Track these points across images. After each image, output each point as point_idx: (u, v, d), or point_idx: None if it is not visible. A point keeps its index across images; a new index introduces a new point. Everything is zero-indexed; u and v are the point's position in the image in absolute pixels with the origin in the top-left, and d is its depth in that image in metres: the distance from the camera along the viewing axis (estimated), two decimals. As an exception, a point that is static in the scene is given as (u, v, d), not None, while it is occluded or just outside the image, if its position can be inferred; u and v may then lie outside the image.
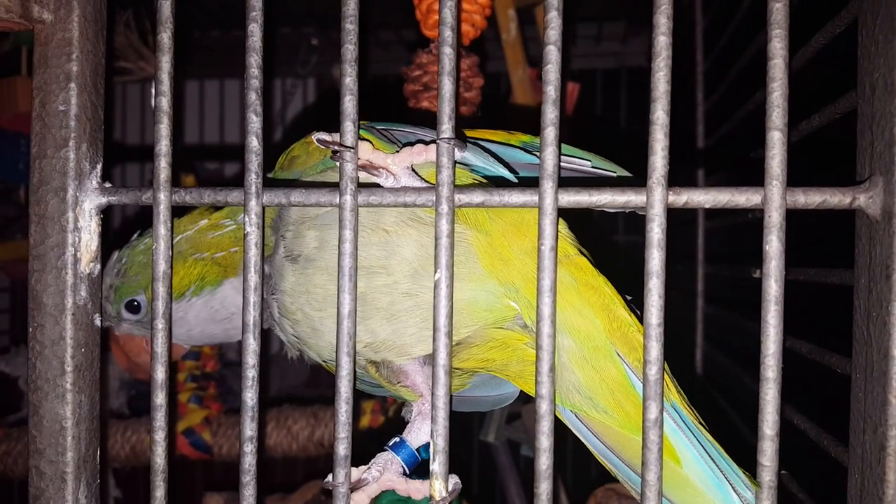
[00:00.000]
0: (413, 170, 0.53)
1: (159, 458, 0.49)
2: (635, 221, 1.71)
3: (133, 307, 0.65)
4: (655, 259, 0.43)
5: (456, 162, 0.46)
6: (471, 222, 0.56)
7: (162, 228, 0.48)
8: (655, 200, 0.43)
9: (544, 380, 0.44)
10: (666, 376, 0.56)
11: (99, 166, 0.52)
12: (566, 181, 0.46)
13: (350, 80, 0.47)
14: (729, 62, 1.05)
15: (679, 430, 0.55)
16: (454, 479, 0.51)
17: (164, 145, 0.48)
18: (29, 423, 0.50)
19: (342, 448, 0.47)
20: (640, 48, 1.80)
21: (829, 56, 0.65)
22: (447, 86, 0.46)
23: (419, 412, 0.60)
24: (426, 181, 0.53)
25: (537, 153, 0.44)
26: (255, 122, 0.48)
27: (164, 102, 0.49)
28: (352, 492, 0.53)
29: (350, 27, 0.47)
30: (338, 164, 0.46)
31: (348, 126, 0.47)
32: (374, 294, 0.56)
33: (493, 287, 0.56)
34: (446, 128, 0.46)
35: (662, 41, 0.43)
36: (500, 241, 0.56)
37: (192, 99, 1.95)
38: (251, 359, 0.47)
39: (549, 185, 0.44)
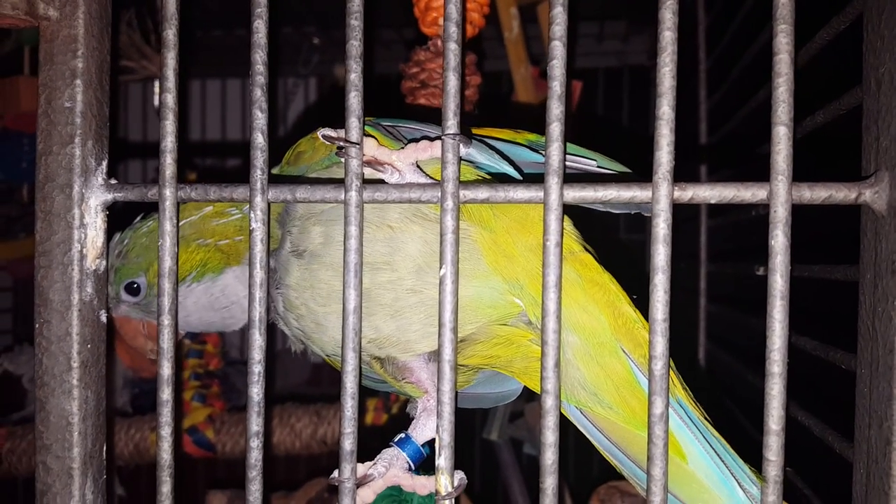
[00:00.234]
0: (418, 166, 0.53)
1: (166, 454, 0.49)
2: (637, 220, 1.71)
3: (133, 289, 0.65)
4: (661, 254, 0.43)
5: (461, 158, 0.46)
6: (475, 219, 0.56)
7: (168, 225, 0.48)
8: (661, 196, 0.43)
9: (550, 375, 0.44)
10: (671, 372, 0.56)
11: (104, 163, 0.52)
12: (572, 178, 0.46)
13: (355, 76, 0.47)
14: (732, 60, 1.06)
15: (684, 426, 0.55)
16: (460, 475, 0.51)
17: (169, 142, 0.48)
18: (36, 418, 0.50)
19: (348, 443, 0.47)
20: (641, 47, 1.80)
21: (833, 52, 0.65)
22: (452, 81, 0.46)
23: (424, 408, 0.60)
24: (431, 177, 0.53)
25: (543, 151, 0.44)
26: (260, 118, 0.48)
27: (170, 99, 0.49)
28: (357, 487, 0.53)
29: (355, 23, 0.47)
30: (343, 160, 0.46)
31: (353, 122, 0.47)
32: (378, 290, 0.56)
33: (497, 284, 0.56)
34: (451, 124, 0.46)
35: (668, 36, 0.43)
36: (504, 237, 0.56)
37: (195, 98, 1.95)
38: (257, 354, 0.48)
39: (554, 181, 0.44)
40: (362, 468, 0.55)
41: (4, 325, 1.89)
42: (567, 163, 0.55)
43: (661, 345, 0.43)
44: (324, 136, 0.50)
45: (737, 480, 0.54)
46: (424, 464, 0.58)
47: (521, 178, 0.57)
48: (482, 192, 0.46)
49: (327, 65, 1.87)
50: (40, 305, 0.50)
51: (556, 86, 0.45)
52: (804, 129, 0.66)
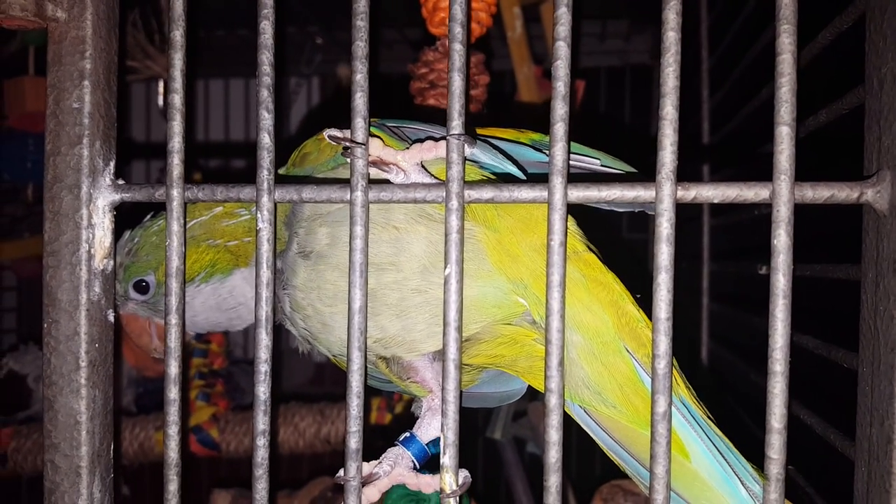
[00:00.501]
0: (423, 166, 0.53)
1: (173, 453, 0.49)
2: (639, 219, 1.71)
3: (141, 287, 0.65)
4: (664, 253, 0.43)
5: (466, 158, 0.47)
6: (480, 219, 0.56)
7: (175, 225, 0.49)
8: (664, 195, 0.43)
9: (554, 374, 0.44)
10: (674, 371, 0.56)
11: (112, 163, 0.52)
12: (576, 178, 0.46)
13: (361, 76, 0.47)
14: (734, 59, 1.06)
15: (687, 425, 0.55)
16: (464, 473, 0.51)
17: (176, 142, 0.49)
18: (44, 417, 0.51)
19: (353, 442, 0.47)
20: (643, 46, 1.81)
21: (836, 51, 0.65)
22: (457, 82, 0.46)
23: (429, 407, 0.60)
24: (436, 178, 0.54)
25: (547, 151, 0.45)
26: (266, 118, 0.48)
27: (177, 100, 0.49)
28: (363, 486, 0.53)
29: (361, 24, 0.47)
30: (349, 160, 0.46)
31: (359, 122, 0.47)
32: (383, 290, 0.56)
33: (501, 283, 0.56)
34: (456, 124, 0.46)
35: (672, 37, 0.44)
36: (508, 237, 0.56)
37: (198, 98, 1.96)
38: (264, 353, 0.48)
39: (558, 181, 0.45)
40: (367, 467, 0.56)
41: (9, 325, 1.89)
42: (571, 162, 0.56)
43: (664, 343, 0.43)
44: (330, 137, 0.51)
45: (739, 479, 0.54)
46: (430, 462, 0.59)
47: (525, 177, 0.57)
48: (487, 192, 0.47)
49: (330, 64, 1.87)
50: (48, 305, 0.50)
51: (561, 86, 0.45)
52: (807, 128, 0.67)
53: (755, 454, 0.49)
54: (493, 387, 0.66)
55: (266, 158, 0.48)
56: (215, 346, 1.41)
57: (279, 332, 0.67)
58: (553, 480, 0.45)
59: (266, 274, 0.48)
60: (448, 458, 0.46)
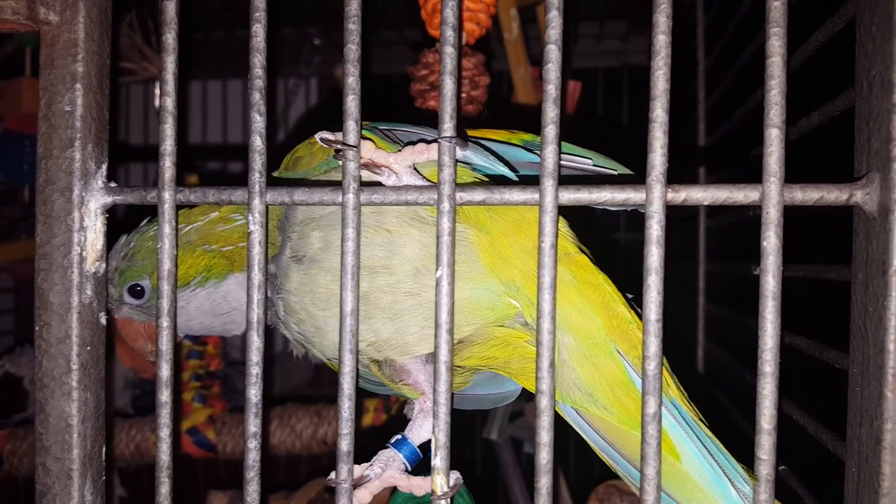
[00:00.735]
0: (415, 169, 0.53)
1: (164, 455, 0.49)
2: (637, 219, 1.71)
3: (136, 292, 0.65)
4: (654, 256, 0.43)
5: (457, 161, 0.47)
6: (472, 221, 0.56)
7: (167, 227, 0.49)
8: (654, 198, 0.43)
9: (544, 375, 0.45)
10: (665, 372, 0.57)
11: (104, 166, 0.52)
12: (568, 179, 0.46)
13: (353, 79, 0.47)
14: (730, 60, 1.06)
15: (678, 426, 0.55)
16: (455, 475, 0.51)
17: (168, 145, 0.49)
18: (35, 420, 0.51)
19: (345, 444, 0.47)
20: (641, 47, 1.81)
21: (829, 54, 0.65)
22: (449, 85, 0.46)
23: (421, 410, 0.60)
24: (428, 180, 0.54)
25: (538, 152, 0.45)
26: (258, 121, 0.48)
27: (169, 103, 0.49)
28: (354, 489, 0.53)
29: (353, 27, 0.47)
30: (341, 163, 0.46)
31: (351, 125, 0.47)
32: (376, 294, 0.56)
33: (494, 285, 0.56)
34: (448, 126, 0.46)
35: (662, 40, 0.44)
36: (500, 240, 0.56)
37: (196, 99, 1.96)
38: (255, 356, 0.48)
39: (549, 183, 0.45)
40: (359, 469, 0.56)
41: (6, 327, 1.89)
42: (563, 162, 0.56)
43: (654, 345, 0.43)
44: (321, 140, 0.51)
45: (730, 480, 0.55)
46: (422, 465, 0.59)
47: (517, 179, 0.57)
48: (478, 195, 0.47)
49: (329, 65, 1.87)
50: (40, 308, 0.50)
51: (552, 89, 0.45)
52: (799, 130, 0.67)
53: (750, 456, 0.49)
54: (488, 388, 0.66)
55: (258, 161, 0.48)
56: (211, 348, 1.41)
57: (274, 335, 0.67)
58: (544, 482, 0.45)
59: (257, 277, 0.48)
60: (439, 460, 0.46)
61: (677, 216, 1.51)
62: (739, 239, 1.11)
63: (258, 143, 0.48)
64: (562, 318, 0.55)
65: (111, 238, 0.68)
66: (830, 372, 0.59)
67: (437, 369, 0.46)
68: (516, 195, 0.47)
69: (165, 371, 0.49)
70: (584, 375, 0.56)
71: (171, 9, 0.49)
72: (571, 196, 0.46)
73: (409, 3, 0.92)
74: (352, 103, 0.47)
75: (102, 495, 0.53)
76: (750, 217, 0.94)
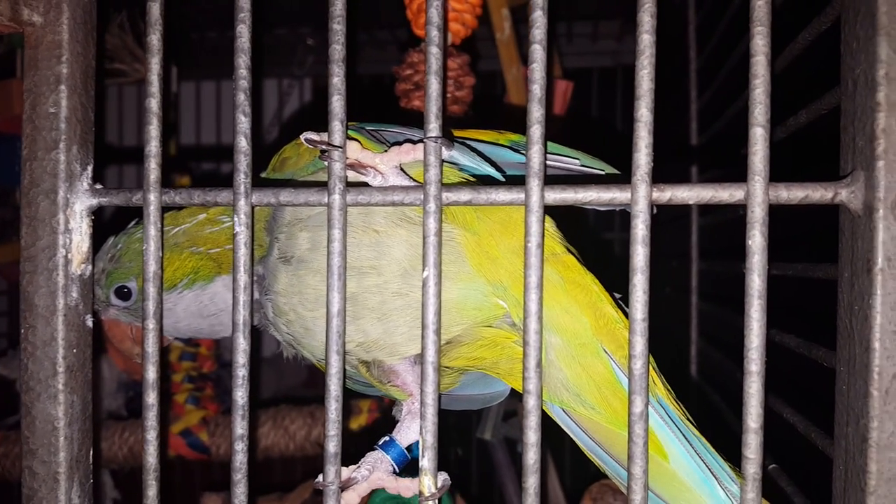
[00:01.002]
0: (402, 169, 0.53)
1: (151, 458, 0.49)
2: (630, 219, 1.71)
3: (123, 293, 0.65)
4: (640, 255, 0.43)
5: (444, 161, 0.47)
6: (459, 222, 0.56)
7: (152, 229, 0.49)
8: (639, 197, 0.43)
9: (531, 375, 0.45)
10: (652, 371, 0.57)
11: (90, 168, 0.52)
12: (555, 179, 0.46)
13: (338, 79, 0.47)
14: (721, 59, 1.06)
15: (665, 425, 0.55)
16: (443, 476, 0.51)
17: (153, 146, 0.49)
18: (21, 423, 0.51)
19: (332, 446, 0.47)
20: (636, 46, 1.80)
21: (820, 53, 0.65)
22: (434, 85, 0.46)
23: (409, 411, 0.60)
24: (415, 180, 0.54)
25: (524, 152, 0.45)
26: (243, 122, 0.48)
27: (154, 104, 0.49)
28: (342, 491, 0.53)
29: (337, 27, 0.47)
30: (327, 164, 0.46)
31: (336, 125, 0.47)
32: (364, 294, 0.56)
33: (481, 286, 0.56)
34: (433, 127, 0.46)
35: (646, 39, 0.44)
36: (488, 240, 0.56)
37: (189, 100, 1.95)
38: (241, 358, 0.48)
39: (535, 183, 0.45)
40: (346, 472, 0.56)
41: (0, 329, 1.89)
42: (550, 162, 0.56)
43: (640, 344, 0.43)
44: (307, 140, 0.50)
45: (717, 479, 0.55)
46: (411, 466, 0.59)
47: (503, 179, 0.57)
48: (464, 195, 0.47)
49: (322, 66, 1.86)
50: (25, 310, 0.50)
51: (537, 89, 0.45)
52: (787, 129, 0.67)
53: (741, 453, 0.49)
54: (477, 389, 0.66)
55: (243, 162, 0.48)
56: (204, 350, 1.40)
57: (262, 336, 0.67)
58: (532, 482, 0.45)
59: (243, 278, 0.47)
60: (427, 461, 0.46)
61: (669, 215, 1.51)
62: (731, 237, 1.11)
63: (243, 143, 0.48)
64: (549, 318, 0.55)
65: (99, 240, 0.68)
66: (822, 370, 0.59)
67: (423, 370, 0.45)
68: (502, 195, 0.46)
69: (152, 373, 0.49)
70: (571, 375, 0.56)
71: (155, 10, 0.49)
72: (557, 196, 0.46)
73: (401, 3, 0.92)
74: (337, 104, 0.47)
75: (90, 498, 0.53)
76: (741, 215, 0.94)
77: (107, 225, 0.72)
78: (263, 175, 0.65)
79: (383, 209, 0.56)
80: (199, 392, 1.39)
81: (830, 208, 0.46)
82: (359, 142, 0.53)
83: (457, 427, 1.45)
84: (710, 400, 1.07)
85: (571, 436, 0.59)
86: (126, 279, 0.65)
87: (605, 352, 0.56)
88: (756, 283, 0.42)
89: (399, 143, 0.53)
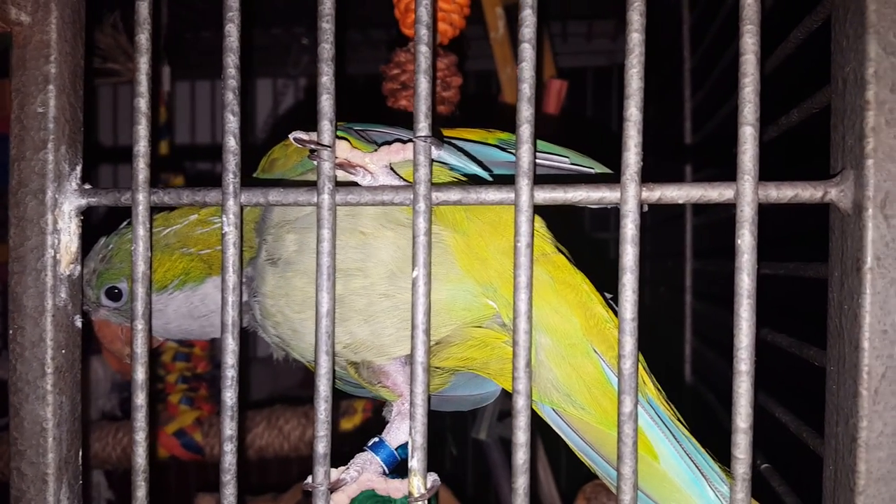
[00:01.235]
0: (392, 169, 0.53)
1: (140, 458, 0.49)
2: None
3: (114, 294, 0.65)
4: (629, 254, 0.43)
5: (434, 160, 0.47)
6: (448, 222, 0.56)
7: (141, 229, 0.48)
8: (629, 196, 0.43)
9: (521, 375, 0.44)
10: (642, 371, 0.56)
11: (78, 168, 0.52)
12: (545, 179, 0.46)
13: (327, 78, 0.47)
14: (715, 59, 1.06)
15: (655, 426, 0.55)
16: (433, 477, 0.51)
17: (142, 146, 0.49)
18: (10, 424, 0.51)
19: (321, 446, 0.47)
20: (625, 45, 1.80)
21: (814, 52, 0.65)
22: (423, 84, 0.46)
23: (399, 412, 0.60)
24: (405, 180, 0.54)
25: (514, 151, 0.45)
26: (232, 121, 0.48)
27: (142, 103, 0.49)
28: (331, 492, 0.53)
29: (326, 26, 0.47)
30: (316, 163, 0.46)
31: (325, 125, 0.47)
32: (351, 296, 0.56)
33: (470, 287, 0.56)
34: (423, 126, 0.46)
35: (636, 38, 0.44)
36: (477, 241, 0.56)
37: (184, 100, 1.95)
38: (230, 359, 0.48)
39: (524, 183, 0.44)
40: (335, 473, 0.56)
41: (-7, 330, 1.88)
42: (540, 161, 0.56)
43: (629, 344, 0.43)
44: (296, 139, 0.50)
45: (707, 480, 0.54)
46: (401, 467, 0.58)
47: (490, 178, 0.57)
48: (454, 194, 0.47)
49: (317, 66, 1.86)
50: (14, 311, 0.50)
51: (526, 88, 0.45)
52: (779, 128, 0.67)
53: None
54: (468, 390, 0.66)
55: (232, 161, 0.48)
56: (198, 351, 1.40)
57: (254, 338, 0.67)
58: (521, 482, 0.45)
59: (232, 278, 0.47)
60: (416, 462, 0.46)
61: (664, 215, 1.51)
62: (725, 237, 1.11)
63: (232, 143, 0.48)
64: (538, 318, 0.55)
65: (91, 240, 0.68)
66: (815, 370, 0.59)
67: (413, 370, 0.45)
68: (492, 195, 0.46)
69: (141, 374, 0.49)
70: (561, 376, 0.56)
71: (143, 9, 0.49)
72: (547, 195, 0.45)
73: (390, 3, 0.92)
74: (326, 103, 0.47)
75: (79, 500, 0.53)
76: (734, 214, 0.94)
77: (100, 225, 0.72)
78: (254, 176, 0.65)
79: (370, 211, 0.56)
80: (194, 392, 1.39)
81: (824, 207, 0.46)
82: (348, 141, 0.52)
83: (452, 427, 1.45)
84: (704, 400, 1.07)
85: (562, 436, 0.59)
86: (117, 280, 0.64)
87: (595, 352, 0.56)
88: (745, 282, 0.42)
89: (388, 143, 0.53)
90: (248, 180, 0.63)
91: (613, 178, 0.48)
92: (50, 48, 0.50)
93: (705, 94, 1.16)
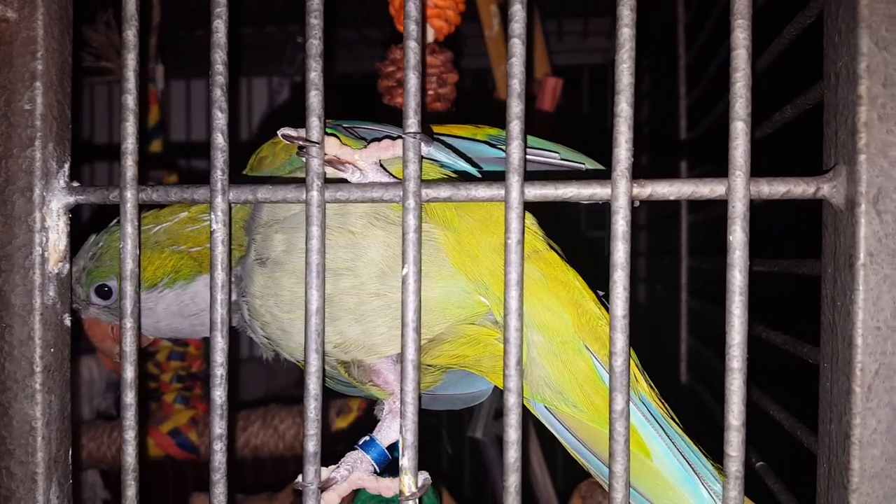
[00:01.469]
0: (382, 165, 0.53)
1: (130, 458, 0.49)
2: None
3: (104, 292, 0.64)
4: (620, 251, 0.43)
5: (423, 157, 0.46)
6: (439, 220, 0.56)
7: (129, 227, 0.48)
8: (620, 192, 0.43)
9: (512, 373, 0.44)
10: (635, 369, 0.56)
11: (66, 165, 0.51)
12: (537, 175, 0.45)
13: (315, 74, 0.47)
14: (711, 55, 1.06)
15: (648, 423, 0.55)
16: (424, 475, 0.50)
17: (130, 143, 0.48)
18: (-2, 423, 0.50)
19: (311, 445, 0.46)
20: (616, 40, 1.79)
21: (811, 48, 0.65)
22: (412, 80, 0.46)
23: (390, 410, 0.59)
24: (395, 177, 0.53)
25: (503, 147, 0.44)
26: (220, 118, 0.47)
27: (130, 100, 0.48)
28: (322, 491, 0.53)
29: (315, 22, 0.47)
30: (305, 160, 0.46)
31: (314, 121, 0.47)
32: (341, 296, 0.56)
33: (462, 284, 0.56)
34: (412, 122, 0.46)
35: (626, 33, 0.43)
36: (468, 238, 0.56)
37: (179, 99, 1.94)
38: (219, 357, 0.47)
39: (515, 179, 0.44)
40: (325, 472, 0.55)
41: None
42: (530, 157, 0.55)
43: (621, 341, 0.43)
44: (284, 136, 0.50)
45: (700, 478, 0.54)
46: (392, 466, 0.58)
47: (479, 175, 0.57)
48: (444, 191, 0.46)
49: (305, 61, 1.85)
50: (2, 310, 0.50)
51: (516, 84, 0.45)
52: (774, 124, 0.66)
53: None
54: (460, 388, 0.65)
55: (220, 159, 0.47)
56: (193, 350, 1.40)
57: (245, 337, 0.66)
58: (512, 480, 0.44)
59: (220, 276, 0.47)
60: (407, 460, 0.46)
61: (660, 213, 1.51)
62: (721, 234, 1.11)
63: (220, 140, 0.47)
64: (530, 315, 0.55)
65: (81, 238, 0.68)
66: (810, 367, 0.58)
67: (403, 368, 0.45)
68: (482, 191, 0.46)
69: (130, 373, 0.49)
70: (553, 373, 0.56)
71: (130, 5, 0.48)
72: (538, 192, 0.45)
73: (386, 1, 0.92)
74: (314, 99, 0.47)
75: (69, 499, 0.53)
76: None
77: (91, 223, 0.71)
78: (243, 174, 0.64)
79: (359, 209, 0.56)
80: (188, 392, 1.38)
81: (818, 204, 0.46)
82: (337, 138, 0.52)
83: (448, 426, 1.44)
84: (700, 398, 1.07)
85: (555, 434, 0.59)
86: (107, 278, 0.64)
87: (588, 349, 0.56)
88: (737, 278, 0.42)
89: (378, 140, 0.53)
90: (238, 178, 0.63)
91: (605, 174, 0.48)
92: (37, 45, 0.50)
93: (700, 92, 1.16)
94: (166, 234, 0.64)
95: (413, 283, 0.45)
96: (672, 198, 0.44)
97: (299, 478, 0.47)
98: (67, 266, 0.51)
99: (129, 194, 0.48)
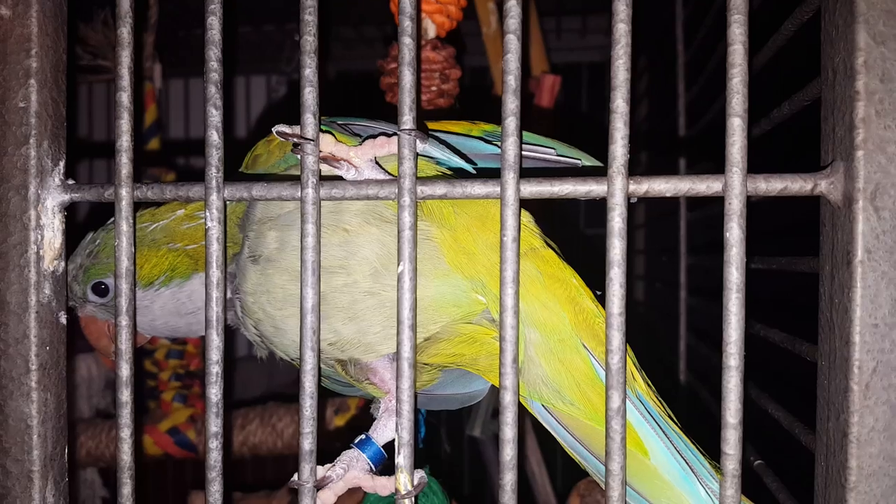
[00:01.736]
0: (377, 163, 0.52)
1: (126, 456, 0.49)
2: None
3: (100, 290, 0.64)
4: (616, 248, 0.43)
5: (418, 154, 0.46)
6: (435, 217, 0.56)
7: (124, 224, 0.48)
8: (616, 189, 0.43)
9: (508, 371, 0.44)
10: (632, 366, 0.56)
11: (62, 163, 0.51)
12: (533, 172, 0.45)
13: (310, 71, 0.46)
14: (709, 53, 1.05)
15: (645, 422, 0.55)
16: (420, 473, 0.50)
17: (124, 141, 0.48)
18: (-7, 422, 0.50)
19: (307, 443, 0.46)
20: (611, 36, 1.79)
21: (810, 45, 0.65)
22: (407, 77, 0.45)
23: (386, 409, 0.59)
24: (390, 174, 0.53)
25: (499, 143, 0.44)
26: (214, 115, 0.47)
27: (125, 98, 0.48)
28: (318, 490, 0.53)
29: (309, 18, 0.47)
30: (299, 158, 0.45)
31: (309, 118, 0.46)
32: (334, 294, 0.55)
33: (459, 282, 0.55)
34: (407, 119, 0.45)
35: (622, 28, 0.43)
36: (464, 235, 0.55)
37: (178, 97, 1.94)
38: (215, 355, 0.47)
39: (510, 176, 0.44)
40: (321, 470, 0.55)
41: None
42: (525, 153, 0.55)
43: (617, 339, 0.43)
44: (279, 133, 0.50)
45: (698, 477, 0.54)
46: (388, 464, 0.58)
47: (474, 171, 0.57)
48: (439, 188, 0.46)
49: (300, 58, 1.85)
50: (-3, 308, 0.49)
51: (511, 80, 0.44)
52: (772, 121, 0.66)
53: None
54: (456, 388, 0.65)
55: (214, 156, 0.47)
56: (191, 348, 1.40)
57: (241, 335, 0.66)
58: (508, 478, 0.44)
59: (216, 274, 0.47)
60: (403, 458, 0.46)
61: (658, 210, 1.50)
62: (720, 231, 1.11)
63: (214, 137, 0.47)
64: (527, 313, 0.55)
65: (77, 236, 0.67)
66: (808, 365, 0.58)
67: (399, 366, 0.45)
68: (478, 188, 0.46)
69: (125, 370, 0.48)
70: (550, 371, 0.55)
71: (124, 2, 0.48)
72: (534, 189, 0.45)
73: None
74: (309, 96, 0.46)
75: (65, 497, 0.52)
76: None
77: (88, 221, 0.71)
78: (239, 172, 0.64)
79: (354, 207, 0.55)
80: (187, 390, 1.38)
81: (816, 200, 0.46)
82: (332, 135, 0.52)
83: (446, 424, 1.44)
84: (699, 396, 1.07)
85: (552, 432, 0.59)
86: (104, 275, 0.64)
87: (585, 347, 0.55)
88: (734, 276, 0.42)
89: (373, 137, 0.52)
90: (233, 176, 0.63)
91: (601, 171, 0.48)
92: (31, 42, 0.49)
93: (699, 89, 1.15)
94: (163, 232, 0.64)
95: (409, 281, 0.45)
96: (668, 195, 0.44)
97: (295, 476, 0.47)
98: (63, 264, 0.51)
99: (124, 192, 0.48)
